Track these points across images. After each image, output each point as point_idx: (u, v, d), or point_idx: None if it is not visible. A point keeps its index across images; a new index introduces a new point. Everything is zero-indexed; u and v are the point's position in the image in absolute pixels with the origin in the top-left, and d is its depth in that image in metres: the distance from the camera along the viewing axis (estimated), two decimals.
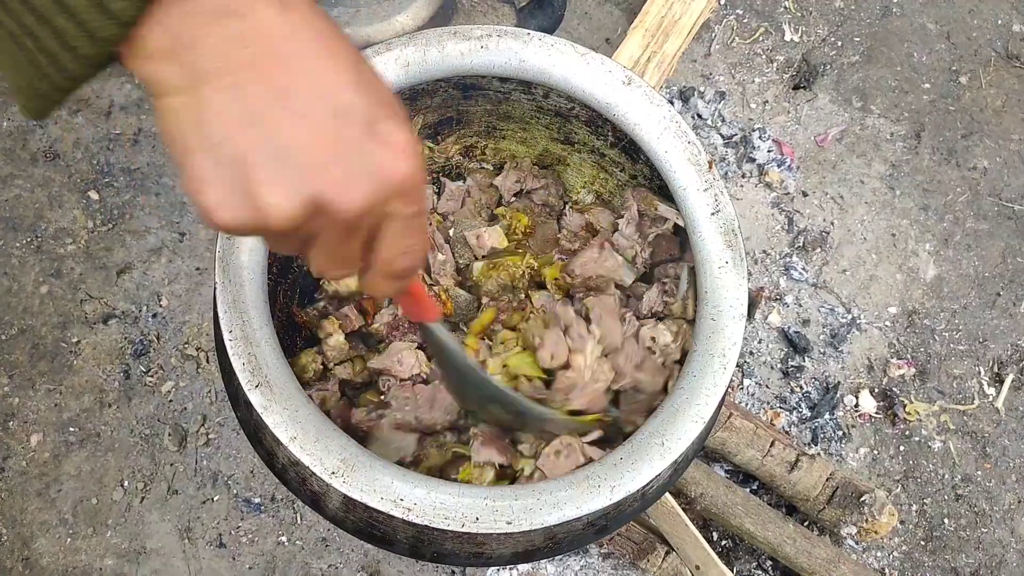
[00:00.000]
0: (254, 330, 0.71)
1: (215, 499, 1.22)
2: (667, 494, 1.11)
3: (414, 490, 0.67)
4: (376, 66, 0.80)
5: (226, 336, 0.70)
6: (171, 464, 1.23)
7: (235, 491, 1.22)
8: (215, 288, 0.72)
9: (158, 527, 1.21)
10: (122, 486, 1.22)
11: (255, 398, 0.68)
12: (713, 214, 0.78)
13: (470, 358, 0.76)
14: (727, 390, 0.76)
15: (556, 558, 1.19)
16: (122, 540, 1.20)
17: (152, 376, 1.27)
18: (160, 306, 1.31)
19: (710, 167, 0.79)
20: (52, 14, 0.39)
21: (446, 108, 0.90)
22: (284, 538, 1.21)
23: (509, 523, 0.67)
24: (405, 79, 0.81)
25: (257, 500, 1.22)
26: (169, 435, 1.24)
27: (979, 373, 1.34)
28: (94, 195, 1.36)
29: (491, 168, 1.00)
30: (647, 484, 0.71)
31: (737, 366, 1.31)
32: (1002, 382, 1.34)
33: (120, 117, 1.40)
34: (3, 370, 1.26)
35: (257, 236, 0.45)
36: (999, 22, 1.55)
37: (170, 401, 1.26)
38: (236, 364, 0.69)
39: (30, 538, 1.19)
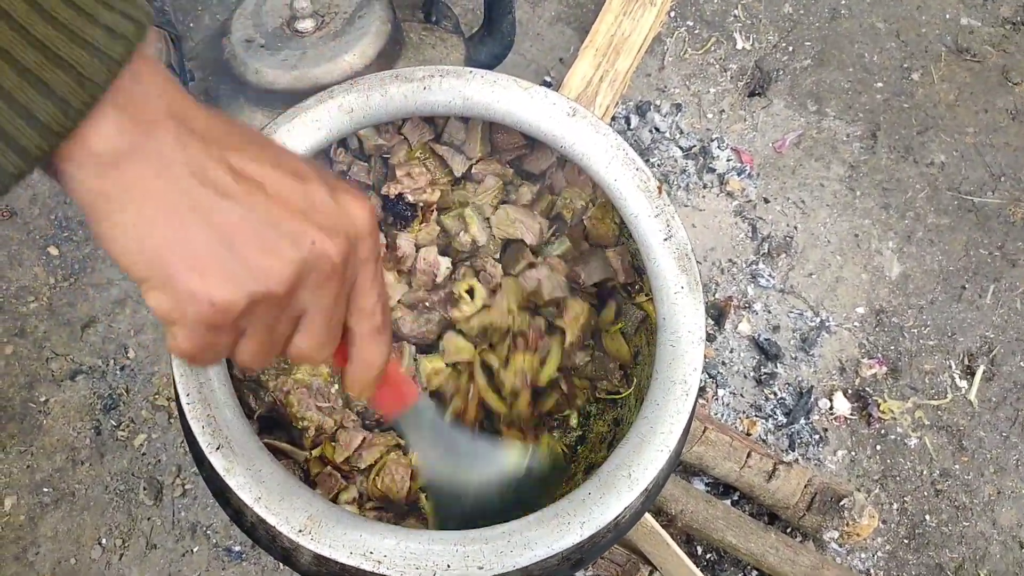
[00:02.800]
0: (212, 391, 0.70)
1: (195, 550, 1.21)
2: (648, 515, 1.11)
3: (383, 541, 0.67)
4: (321, 115, 0.80)
5: (183, 399, 0.69)
6: (148, 518, 1.22)
7: (215, 540, 1.21)
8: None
9: None
10: (100, 544, 1.21)
11: (216, 461, 0.68)
12: (666, 239, 0.78)
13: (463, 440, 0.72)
14: (691, 416, 0.76)
15: None
16: None
17: (123, 430, 1.26)
18: (128, 358, 1.29)
19: (659, 192, 0.79)
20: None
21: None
22: None
23: (481, 568, 0.67)
24: (350, 125, 0.81)
25: (238, 548, 1.21)
26: (144, 489, 1.23)
27: (950, 367, 1.35)
28: (54, 251, 1.35)
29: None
30: (618, 516, 0.71)
31: (711, 376, 1.32)
32: (973, 374, 1.35)
33: None
34: None
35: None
36: (947, 16, 1.57)
37: (143, 454, 1.25)
38: (195, 427, 0.68)
39: None
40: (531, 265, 0.89)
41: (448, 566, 0.67)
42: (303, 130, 0.79)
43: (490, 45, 1.26)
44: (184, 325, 0.42)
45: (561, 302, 0.88)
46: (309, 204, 0.43)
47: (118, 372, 1.29)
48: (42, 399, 1.27)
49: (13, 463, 1.24)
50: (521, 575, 0.73)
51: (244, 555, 1.20)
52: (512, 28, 1.27)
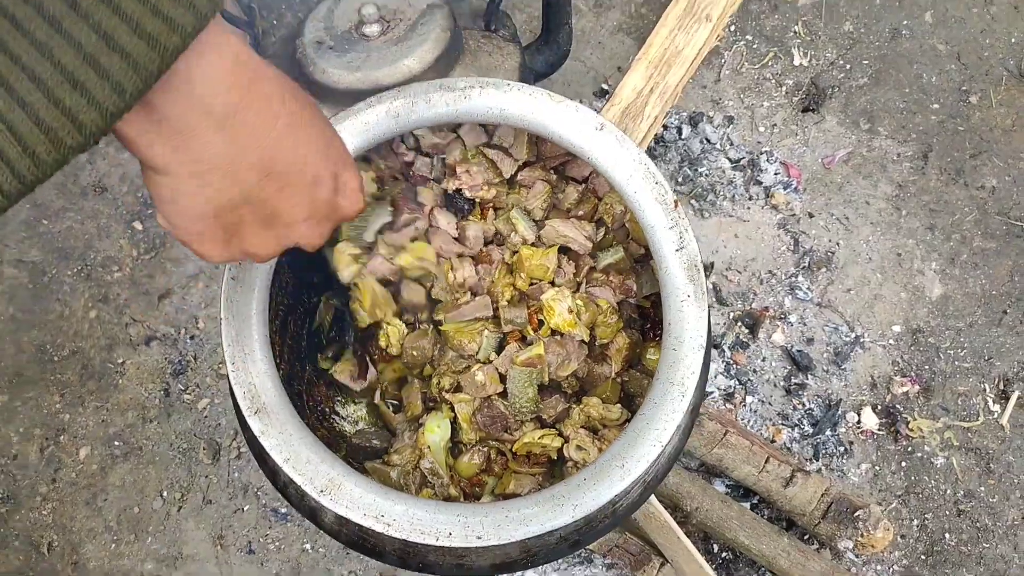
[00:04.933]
0: (255, 361, 0.79)
1: (245, 509, 1.31)
2: (662, 508, 1.17)
3: (394, 507, 0.75)
4: (370, 118, 0.88)
5: (229, 367, 0.78)
6: (206, 476, 1.33)
7: (264, 501, 1.31)
8: (220, 324, 0.80)
9: (194, 534, 1.30)
10: (161, 496, 1.32)
11: (254, 423, 0.76)
12: (678, 250, 0.84)
13: None
14: (688, 417, 0.81)
15: (562, 567, 1.25)
16: (161, 546, 1.30)
17: (189, 394, 1.37)
18: (197, 328, 1.41)
19: (675, 206, 0.85)
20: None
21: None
22: (308, 545, 1.29)
23: (479, 538, 0.74)
24: (396, 128, 0.88)
25: (284, 510, 1.31)
26: (204, 449, 1.34)
27: (984, 390, 1.36)
28: (138, 225, 1.47)
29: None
30: (613, 501, 0.78)
31: (740, 383, 1.36)
32: (1007, 399, 1.36)
33: None
34: (56, 388, 1.38)
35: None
36: (1012, 40, 1.56)
37: (205, 417, 1.36)
38: (237, 392, 0.77)
39: (79, 544, 1.30)
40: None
41: (450, 533, 0.74)
42: (353, 131, 0.87)
43: (546, 54, 1.32)
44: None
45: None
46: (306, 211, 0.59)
47: (188, 341, 1.40)
48: (119, 360, 1.39)
49: (90, 417, 1.36)
50: (519, 549, 0.80)
51: (289, 516, 1.30)
52: (568, 38, 1.33)
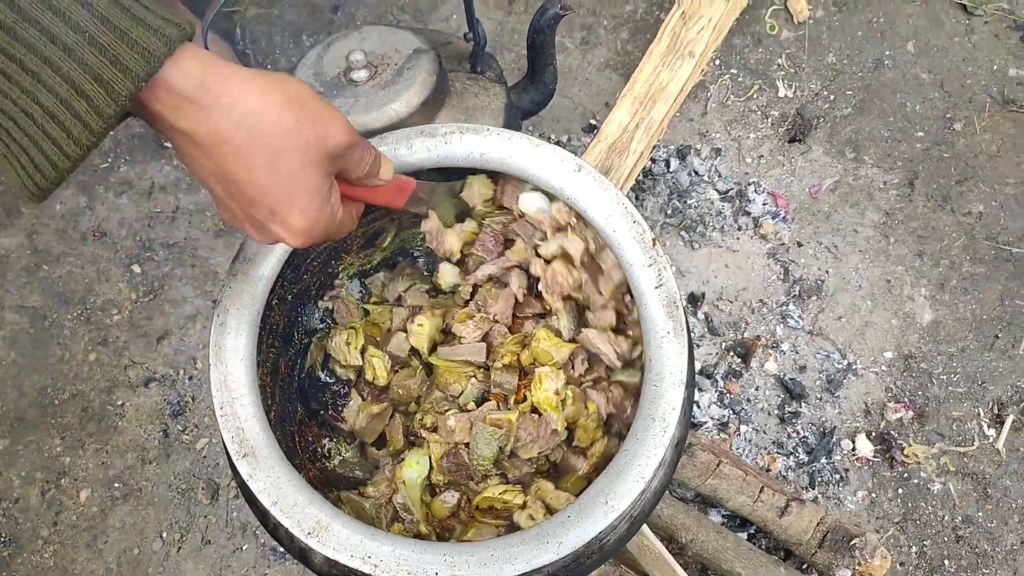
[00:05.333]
0: (243, 405, 0.81)
1: (244, 548, 1.32)
2: (657, 541, 1.17)
3: (381, 547, 0.76)
4: None
5: (218, 412, 0.80)
6: (204, 516, 1.34)
7: (262, 540, 1.32)
8: (209, 368, 0.82)
9: (193, 575, 1.31)
10: (161, 537, 1.33)
11: (242, 467, 0.78)
12: (657, 287, 0.85)
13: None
14: (672, 451, 0.82)
15: None
16: None
17: (188, 434, 1.39)
18: (195, 369, 1.43)
19: (653, 244, 0.86)
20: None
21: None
22: None
23: None
24: None
25: (282, 549, 1.31)
26: (203, 489, 1.35)
27: (979, 415, 1.37)
28: (137, 269, 1.49)
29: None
30: (599, 537, 0.78)
31: (734, 412, 1.37)
32: (1002, 423, 1.36)
33: (160, 197, 1.54)
34: (56, 432, 1.39)
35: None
36: (994, 67, 1.59)
37: (204, 457, 1.37)
38: (226, 437, 0.79)
39: None
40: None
41: (436, 573, 0.75)
42: None
43: (532, 93, 1.34)
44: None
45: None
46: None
47: (187, 381, 1.42)
48: (119, 402, 1.41)
49: (90, 459, 1.38)
50: None
51: (287, 556, 1.31)
52: (554, 77, 1.35)
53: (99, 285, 1.49)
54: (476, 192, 0.95)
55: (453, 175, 0.95)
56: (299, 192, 0.65)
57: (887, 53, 1.60)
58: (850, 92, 1.57)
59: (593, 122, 1.57)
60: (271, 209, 0.65)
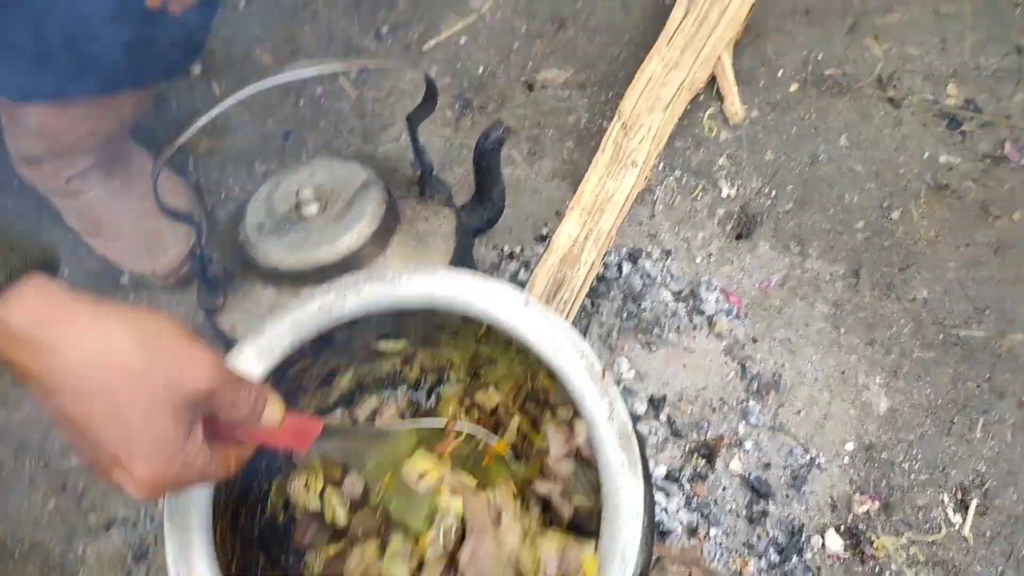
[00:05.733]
0: (194, 555, 0.80)
1: None
2: None
3: None
4: (301, 316, 0.91)
5: (169, 564, 0.79)
6: None
7: None
8: (164, 534, 0.81)
9: None
10: None
11: None
12: (609, 419, 0.86)
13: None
14: None
15: None
16: None
17: None
18: (156, 510, 1.40)
19: (603, 376, 0.88)
20: None
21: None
22: None
23: None
24: (329, 321, 0.92)
25: None
26: None
27: (943, 501, 1.38)
28: None
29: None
30: None
31: (703, 516, 1.36)
32: (967, 508, 1.37)
33: None
34: None
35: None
36: (925, 156, 1.65)
37: None
38: None
39: None
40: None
41: None
42: (284, 330, 0.90)
43: (481, 212, 1.37)
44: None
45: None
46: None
47: (148, 523, 1.39)
48: (79, 550, 1.38)
49: None
50: None
51: None
52: (502, 195, 1.39)
53: (57, 430, 1.46)
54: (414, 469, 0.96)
55: (407, 319, 0.97)
56: (143, 441, 0.60)
57: (822, 148, 1.66)
58: (790, 187, 1.62)
59: (544, 231, 1.60)
60: (112, 457, 0.60)
